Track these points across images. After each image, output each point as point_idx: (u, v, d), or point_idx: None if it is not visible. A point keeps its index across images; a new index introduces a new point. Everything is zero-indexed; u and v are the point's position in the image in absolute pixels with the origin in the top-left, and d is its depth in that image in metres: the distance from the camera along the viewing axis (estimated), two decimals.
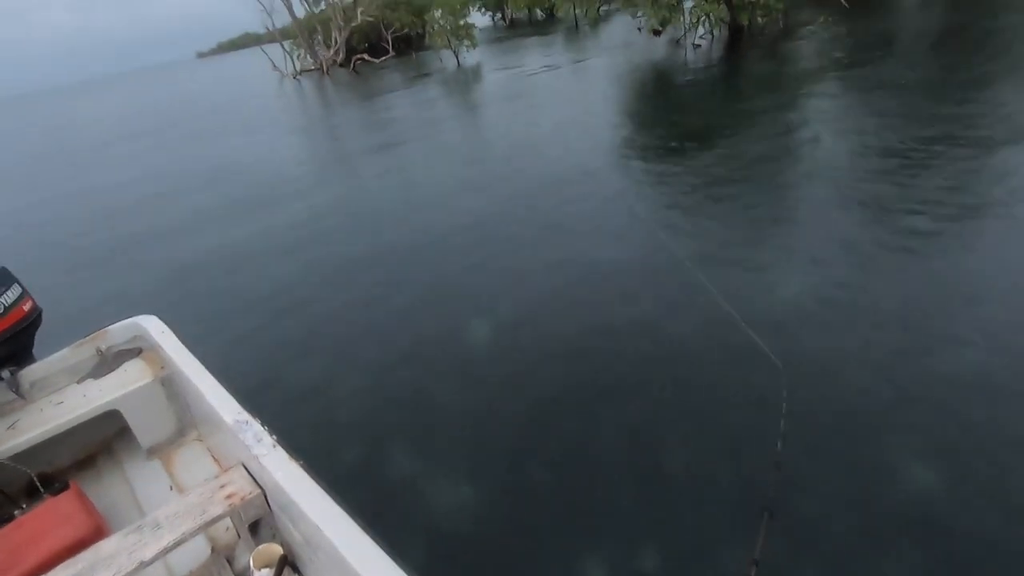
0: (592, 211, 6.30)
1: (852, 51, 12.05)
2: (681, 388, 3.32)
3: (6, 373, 2.38)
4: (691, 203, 6.19)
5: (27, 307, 2.49)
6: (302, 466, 1.68)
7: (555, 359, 3.79)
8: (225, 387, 2.11)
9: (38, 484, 2.18)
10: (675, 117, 9.91)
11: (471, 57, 23.78)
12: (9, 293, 2.42)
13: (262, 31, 36.23)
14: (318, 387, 3.97)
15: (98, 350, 2.70)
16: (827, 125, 7.83)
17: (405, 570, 1.29)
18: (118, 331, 2.76)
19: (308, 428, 3.48)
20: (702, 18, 14.10)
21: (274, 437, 1.80)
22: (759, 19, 14.26)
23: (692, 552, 2.38)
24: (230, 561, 1.93)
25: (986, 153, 5.75)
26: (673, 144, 8.31)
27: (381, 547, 1.37)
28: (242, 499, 1.74)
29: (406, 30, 33.05)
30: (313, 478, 1.62)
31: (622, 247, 5.32)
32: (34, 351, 2.67)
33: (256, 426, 1.86)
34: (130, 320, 2.78)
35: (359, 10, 32.15)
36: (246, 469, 1.83)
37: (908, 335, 3.43)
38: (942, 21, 13.55)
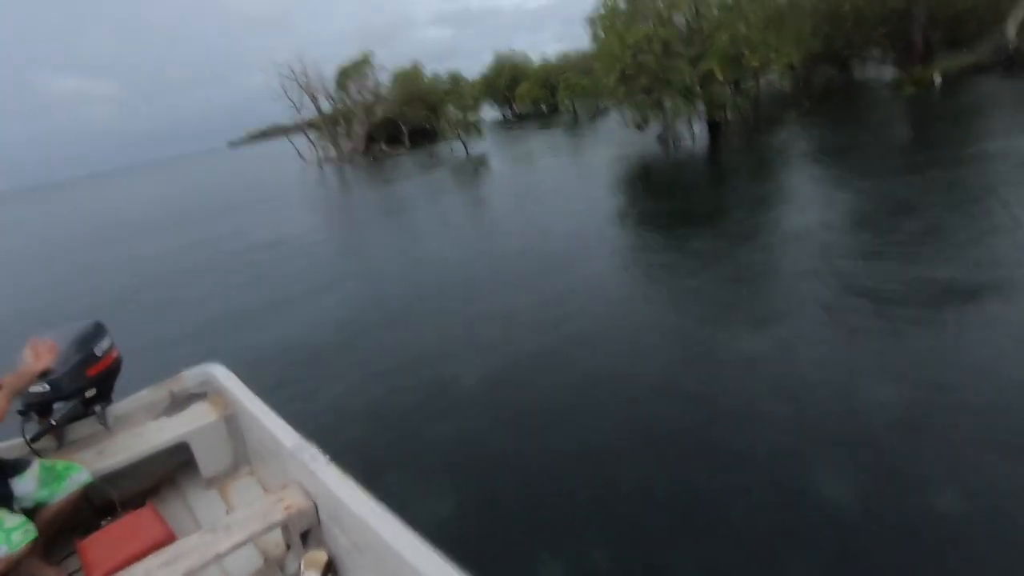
0: (580, 284, 7.38)
1: (814, 143, 13.65)
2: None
3: (98, 408, 2.75)
4: (671, 277, 7.28)
5: (115, 355, 2.87)
6: (353, 479, 1.95)
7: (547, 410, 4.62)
8: (285, 419, 2.47)
9: (117, 503, 2.55)
10: (655, 204, 11.29)
11: (480, 147, 26.07)
12: (104, 343, 2.80)
13: (289, 122, 39.57)
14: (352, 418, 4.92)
15: (171, 392, 3.08)
16: (791, 208, 9.03)
17: (451, 563, 1.47)
18: (189, 376, 3.14)
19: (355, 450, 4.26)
20: (681, 115, 15.85)
21: (327, 456, 2.11)
22: (728, 116, 16.00)
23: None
24: (281, 569, 2.20)
25: (946, 232, 6.61)
26: (660, 228, 9.59)
27: (426, 542, 1.57)
28: (297, 509, 2.04)
29: (421, 124, 36.12)
30: (363, 489, 1.89)
31: (605, 316, 6.29)
32: (116, 392, 3.02)
33: (312, 448, 2.18)
34: (199, 367, 3.17)
35: (379, 107, 35.48)
36: (301, 486, 2.14)
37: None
38: (894, 117, 15.19)
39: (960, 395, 3.83)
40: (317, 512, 2.07)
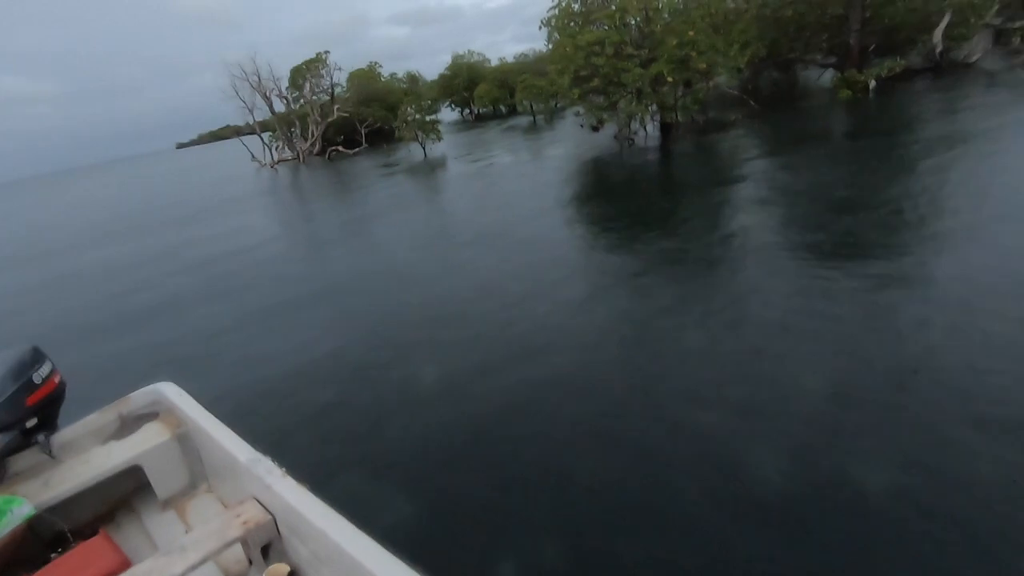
0: (536, 281, 7.46)
1: (759, 142, 14.19)
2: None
3: (41, 437, 2.64)
4: (624, 269, 7.44)
5: (56, 381, 2.76)
6: (309, 490, 1.96)
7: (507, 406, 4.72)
8: (238, 434, 2.45)
9: (68, 534, 2.48)
10: (609, 200, 11.50)
11: (437, 149, 25.93)
12: (43, 369, 2.69)
13: (242, 123, 38.45)
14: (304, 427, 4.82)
15: (120, 415, 3.00)
16: (736, 202, 9.41)
17: (412, 567, 1.50)
18: (138, 397, 3.05)
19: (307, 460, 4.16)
20: (635, 115, 16.19)
21: (283, 469, 2.11)
22: (679, 117, 16.45)
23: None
24: None
25: (874, 220, 7.16)
26: (613, 223, 9.79)
27: (385, 548, 1.59)
28: (256, 524, 2.02)
29: (378, 124, 35.68)
30: (320, 499, 1.89)
31: (560, 312, 6.40)
32: (62, 418, 2.93)
33: (267, 461, 2.16)
34: (149, 387, 3.08)
35: (335, 107, 34.86)
36: (258, 501, 2.13)
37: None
38: (832, 118, 15.92)
39: (900, 374, 4.06)
40: (276, 525, 2.05)
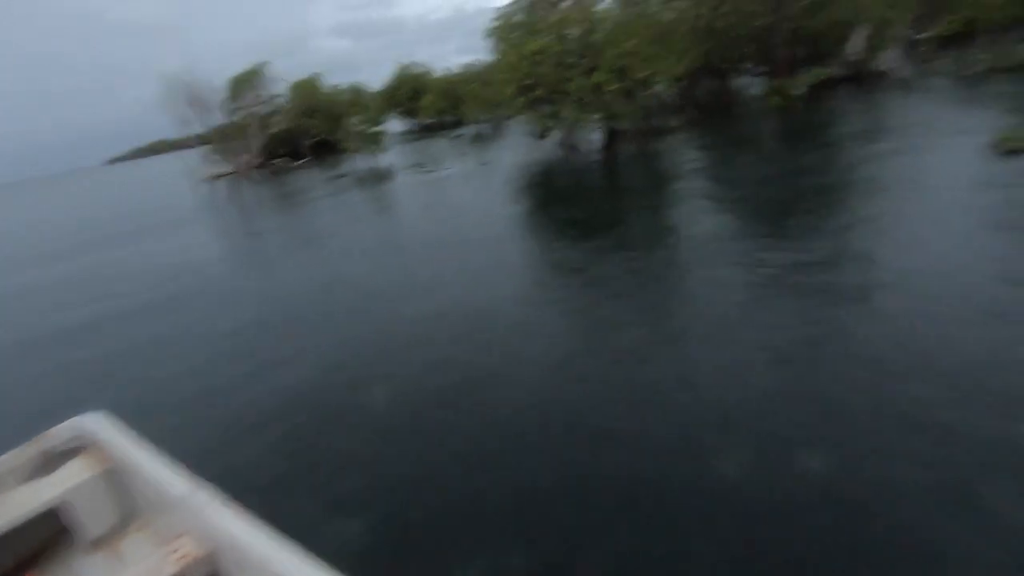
0: (482, 291, 7.37)
1: (695, 147, 14.68)
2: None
3: None
4: (568, 274, 7.43)
5: None
6: (253, 519, 1.87)
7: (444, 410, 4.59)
8: (173, 465, 2.31)
9: None
10: (554, 207, 11.58)
11: (383, 159, 25.56)
12: None
13: (179, 136, 36.87)
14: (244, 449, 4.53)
15: (42, 451, 2.81)
16: (675, 205, 9.67)
17: None
18: (61, 431, 2.85)
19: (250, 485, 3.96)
20: (578, 123, 16.46)
21: (223, 498, 2.01)
22: (621, 125, 16.84)
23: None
24: None
25: (803, 216, 7.48)
26: (558, 230, 9.82)
27: (333, 571, 1.56)
28: (194, 559, 1.94)
29: (323, 136, 34.93)
30: (265, 527, 1.82)
31: (506, 321, 6.34)
32: None
33: (206, 492, 2.06)
34: (73, 420, 2.88)
35: (277, 118, 33.91)
36: (196, 534, 2.03)
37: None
38: (763, 123, 16.68)
39: (840, 373, 4.20)
40: (217, 559, 1.96)
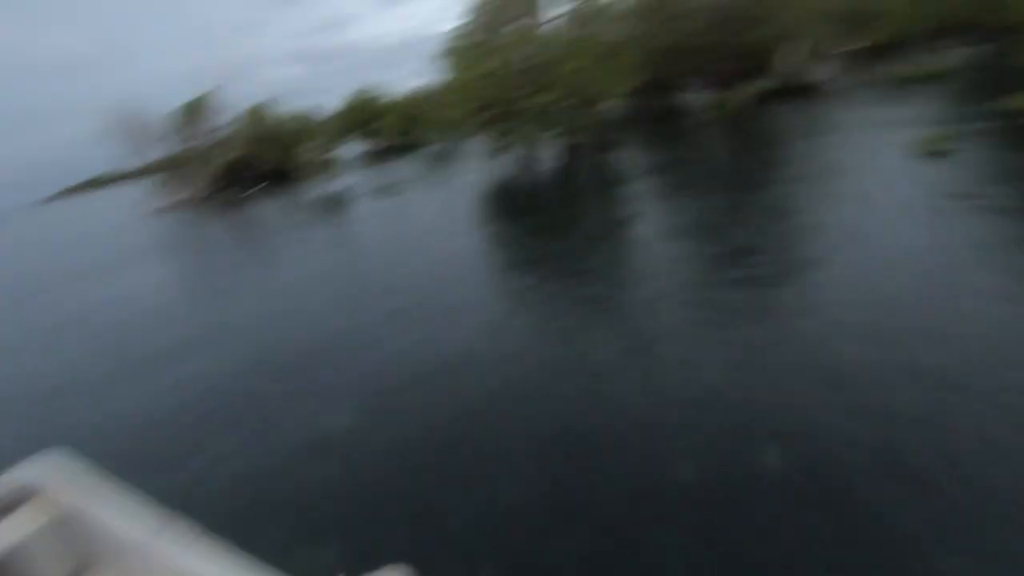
0: (445, 310, 7.35)
1: (645, 159, 15.18)
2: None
3: None
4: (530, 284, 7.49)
5: None
6: (228, 553, 1.80)
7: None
8: (136, 507, 2.16)
9: None
10: (513, 221, 11.71)
11: (339, 184, 25.29)
12: None
13: (123, 170, 35.52)
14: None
15: (6, 491, 2.57)
16: (628, 213, 9.92)
17: None
18: (6, 480, 2.62)
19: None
20: (532, 140, 16.78)
21: (195, 534, 1.92)
22: (575, 139, 17.26)
23: None
24: None
25: (739, 216, 7.80)
26: (517, 242, 9.92)
27: None
28: None
29: (276, 163, 34.35)
30: (239, 563, 1.76)
31: (470, 336, 6.33)
32: None
33: (170, 533, 1.95)
34: (19, 466, 2.64)
35: (225, 148, 33.17)
36: (168, 572, 1.91)
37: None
38: (704, 134, 17.41)
39: (789, 373, 4.37)
40: None
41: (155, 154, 33.75)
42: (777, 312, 5.28)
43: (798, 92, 21.10)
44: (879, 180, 8.62)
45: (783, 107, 19.27)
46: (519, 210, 13.03)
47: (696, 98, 25.49)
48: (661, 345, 5.13)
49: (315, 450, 4.57)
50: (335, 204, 20.05)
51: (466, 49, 19.68)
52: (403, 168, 27.54)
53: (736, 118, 19.00)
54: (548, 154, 17.97)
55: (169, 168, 33.57)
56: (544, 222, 11.10)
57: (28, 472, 2.62)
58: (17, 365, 8.84)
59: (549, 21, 21.38)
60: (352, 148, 43.44)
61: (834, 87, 20.65)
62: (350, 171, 27.64)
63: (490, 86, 15.93)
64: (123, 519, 2.11)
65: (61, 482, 2.48)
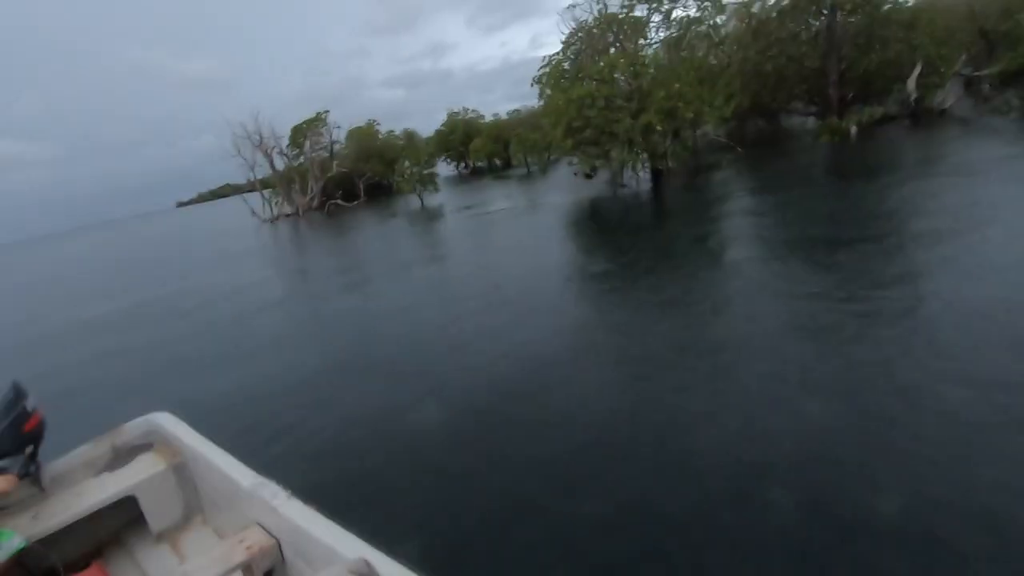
0: (536, 324, 7.56)
1: (745, 186, 14.66)
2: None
3: (32, 468, 2.59)
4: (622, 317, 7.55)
5: (41, 413, 2.73)
6: (317, 512, 1.92)
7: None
8: (239, 460, 2.41)
9: (60, 568, 2.37)
10: (604, 242, 11.77)
11: (434, 200, 26.54)
12: (30, 401, 2.69)
13: (243, 181, 39.27)
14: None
15: (113, 446, 2.92)
16: (725, 242, 9.67)
17: None
18: (132, 428, 2.98)
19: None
20: (626, 163, 16.78)
21: (288, 492, 2.08)
22: (669, 164, 17.03)
23: None
24: None
25: (860, 256, 7.43)
26: (607, 263, 9.99)
27: (400, 563, 1.59)
28: (260, 549, 2.00)
29: (377, 179, 36.61)
30: (330, 520, 1.86)
31: (560, 355, 6.49)
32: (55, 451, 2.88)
33: (272, 485, 2.13)
34: (143, 417, 3.00)
35: (334, 163, 35.87)
36: (261, 526, 2.10)
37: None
38: (814, 162, 16.52)
39: (897, 410, 4.12)
40: (280, 550, 2.00)
41: (270, 169, 37.01)
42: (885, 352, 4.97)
43: (919, 119, 19.58)
44: (1011, 217, 7.82)
45: (903, 133, 17.95)
46: (607, 229, 13.08)
47: (802, 123, 24.34)
48: (756, 375, 4.99)
49: (400, 438, 4.87)
50: (431, 218, 21.08)
51: (562, 73, 20.18)
52: (494, 187, 28.43)
53: (848, 144, 17.93)
54: (641, 176, 17.88)
55: (283, 181, 36.68)
56: (634, 245, 11.04)
57: (148, 423, 2.98)
58: (151, 339, 10.06)
59: (646, 47, 21.48)
60: (446, 167, 45.40)
61: (961, 115, 18.96)
62: (445, 188, 28.93)
63: (585, 109, 16.18)
64: (231, 470, 2.34)
65: (177, 434, 2.78)
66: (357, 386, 6.31)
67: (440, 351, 6.89)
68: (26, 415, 2.62)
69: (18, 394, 2.68)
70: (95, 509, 2.54)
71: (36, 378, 8.34)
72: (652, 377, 5.21)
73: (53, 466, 2.75)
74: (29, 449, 2.60)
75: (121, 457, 2.88)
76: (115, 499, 2.58)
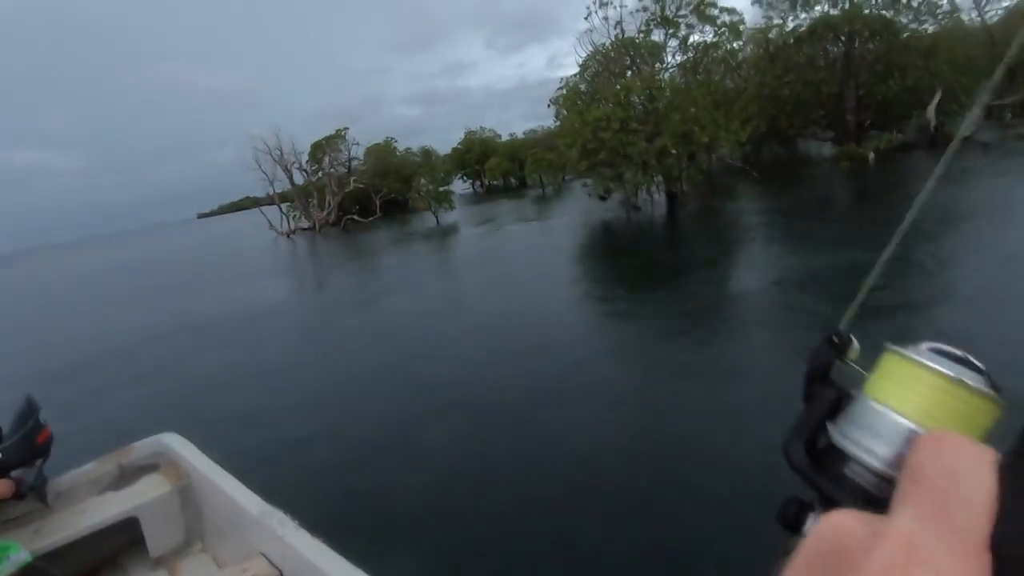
0: (548, 343, 7.55)
1: (760, 209, 14.59)
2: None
3: (39, 482, 2.58)
4: (637, 334, 7.51)
5: (49, 431, 2.74)
6: (324, 544, 1.88)
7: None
8: (245, 487, 2.37)
9: None
10: (617, 263, 11.76)
11: (449, 217, 26.76)
12: (41, 414, 2.73)
13: (262, 194, 39.92)
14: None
15: (119, 464, 2.90)
16: (738, 265, 9.59)
17: None
18: (140, 447, 2.97)
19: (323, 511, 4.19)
20: (641, 186, 16.80)
21: (296, 521, 2.03)
22: (683, 186, 17.02)
23: None
24: None
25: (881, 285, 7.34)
26: (621, 284, 9.96)
27: None
28: None
29: (393, 195, 37.06)
30: (337, 553, 1.80)
31: (570, 373, 6.48)
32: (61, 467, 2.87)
33: (279, 514, 2.09)
34: (151, 437, 2.99)
35: (352, 178, 36.40)
36: (264, 557, 2.04)
37: None
38: (831, 187, 16.41)
39: None
40: None
41: (289, 183, 37.65)
42: None
43: (940, 145, 19.40)
44: None
45: (923, 160, 17.78)
46: (621, 251, 13.06)
47: (819, 148, 24.25)
48: (762, 396, 4.91)
49: (407, 458, 4.85)
50: (446, 236, 21.23)
51: (578, 95, 20.39)
52: (509, 206, 28.61)
53: (866, 170, 17.80)
54: (655, 199, 17.89)
55: (301, 195, 37.26)
56: (647, 264, 11.02)
57: (156, 444, 2.97)
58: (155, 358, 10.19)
59: (662, 70, 21.65)
60: (462, 185, 45.85)
61: (982, 141, 18.75)
62: (460, 206, 29.19)
63: (600, 131, 16.28)
64: (236, 496, 2.30)
65: (184, 456, 2.76)
66: (368, 407, 6.32)
67: (442, 374, 6.88)
68: (39, 427, 2.65)
69: (32, 407, 2.72)
70: (96, 529, 2.51)
71: (52, 388, 8.49)
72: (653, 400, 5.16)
73: (59, 481, 2.75)
74: (39, 462, 2.62)
75: (127, 476, 2.85)
76: (117, 520, 2.56)
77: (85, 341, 13.04)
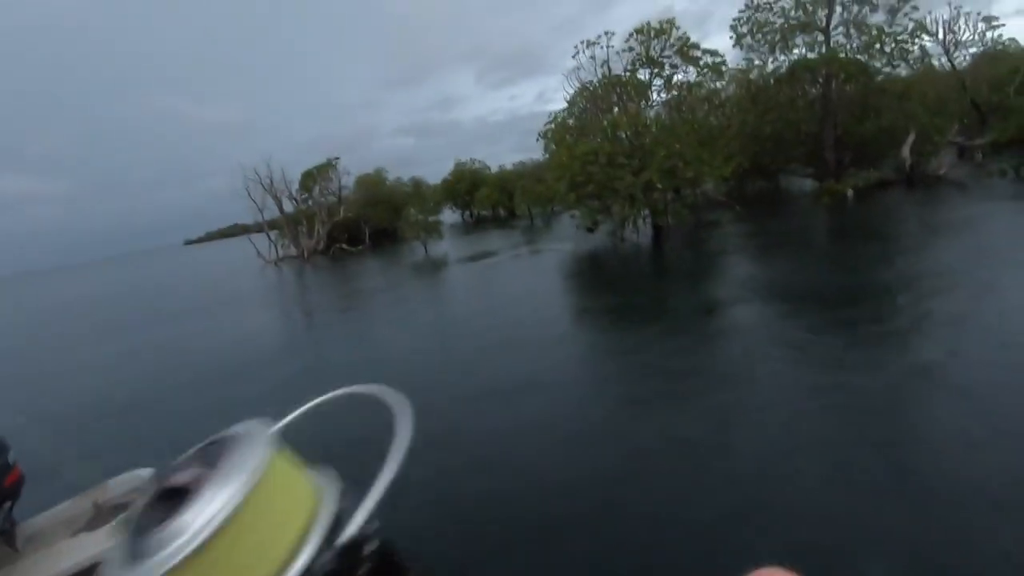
0: (536, 373, 7.54)
1: (743, 244, 14.87)
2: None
3: (7, 525, 2.47)
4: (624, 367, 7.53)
5: (19, 471, 2.63)
6: None
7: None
8: None
9: None
10: (603, 295, 11.84)
11: (439, 248, 26.87)
12: (10, 455, 2.63)
13: (250, 222, 39.80)
14: None
15: (95, 503, 2.78)
16: (721, 297, 9.69)
17: None
18: (116, 485, 2.86)
19: None
20: (628, 218, 17.07)
21: None
22: (669, 220, 17.34)
23: None
24: None
25: (858, 315, 7.46)
26: (606, 317, 10.00)
27: None
28: None
29: (383, 225, 37.20)
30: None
31: (557, 403, 6.47)
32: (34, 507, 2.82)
33: None
34: (127, 473, 2.91)
35: (342, 208, 36.56)
36: None
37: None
38: (810, 222, 16.80)
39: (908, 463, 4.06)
40: None
41: (280, 211, 37.67)
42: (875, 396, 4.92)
43: (916, 183, 20.04)
44: (1007, 278, 7.90)
45: (900, 197, 18.34)
46: (607, 283, 13.19)
47: (800, 184, 24.89)
48: (743, 425, 4.93)
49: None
50: (434, 266, 21.28)
51: (567, 130, 20.85)
52: (498, 237, 28.81)
53: (844, 206, 18.29)
54: (642, 231, 18.17)
55: (289, 224, 37.24)
56: (632, 297, 11.13)
57: (135, 480, 2.86)
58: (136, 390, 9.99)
59: (648, 108, 22.27)
60: (451, 216, 46.16)
61: (956, 180, 19.40)
62: (450, 236, 29.34)
63: (587, 165, 16.62)
64: None
65: None
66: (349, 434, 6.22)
67: (422, 406, 6.82)
68: (7, 468, 2.53)
69: (3, 445, 2.59)
70: (69, 573, 2.37)
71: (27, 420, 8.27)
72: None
73: (29, 524, 2.63)
74: (7, 505, 2.50)
75: (103, 515, 2.72)
76: (90, 563, 2.41)
77: (55, 377, 12.77)
